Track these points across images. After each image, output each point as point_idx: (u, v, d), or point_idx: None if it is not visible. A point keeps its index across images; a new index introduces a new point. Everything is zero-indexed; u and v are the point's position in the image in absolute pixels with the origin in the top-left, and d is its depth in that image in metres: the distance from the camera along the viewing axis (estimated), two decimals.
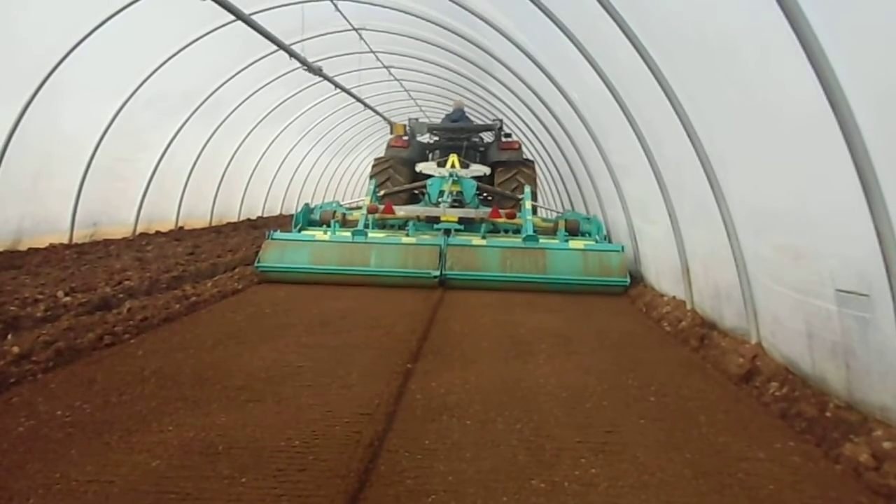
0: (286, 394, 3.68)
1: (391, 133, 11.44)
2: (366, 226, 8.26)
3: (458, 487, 2.63)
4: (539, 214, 9.99)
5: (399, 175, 10.73)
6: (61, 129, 8.62)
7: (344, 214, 9.00)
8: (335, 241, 7.81)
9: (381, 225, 8.83)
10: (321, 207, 9.25)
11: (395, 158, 10.96)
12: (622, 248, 7.65)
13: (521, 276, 7.45)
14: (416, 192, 10.32)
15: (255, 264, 7.59)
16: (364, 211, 8.56)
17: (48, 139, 8.39)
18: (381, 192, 9.78)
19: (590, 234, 8.53)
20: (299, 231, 8.31)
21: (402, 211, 8.84)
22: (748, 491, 2.66)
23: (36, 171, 8.41)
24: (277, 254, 7.58)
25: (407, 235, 8.17)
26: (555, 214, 10.20)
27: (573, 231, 8.70)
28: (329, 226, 8.48)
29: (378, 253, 7.58)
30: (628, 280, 7.36)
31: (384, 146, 11.64)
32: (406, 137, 11.21)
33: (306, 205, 9.08)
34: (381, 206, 8.81)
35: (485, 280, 7.47)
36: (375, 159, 11.42)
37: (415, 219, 8.75)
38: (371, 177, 10.71)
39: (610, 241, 8.33)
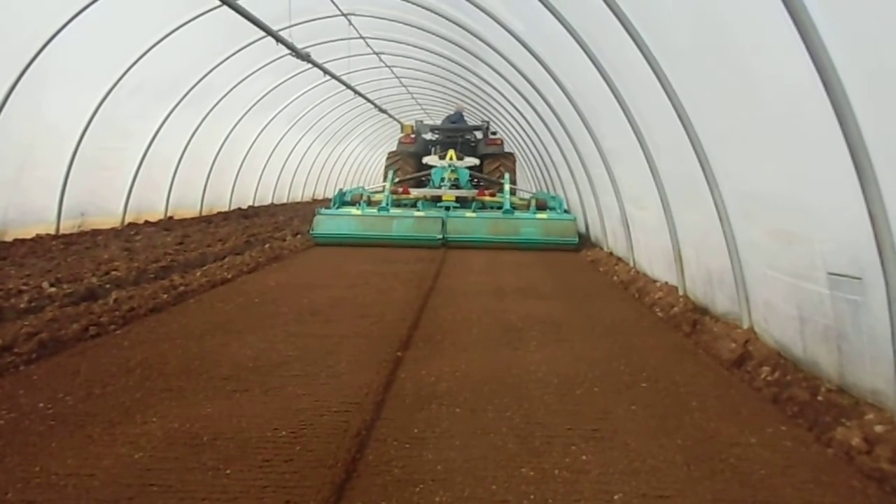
0: (274, 384, 3.64)
1: (402, 132, 14.58)
2: (387, 204, 10.76)
3: (446, 476, 2.60)
4: (517, 195, 12.26)
5: (408, 165, 13.80)
6: (45, 118, 8.48)
7: (369, 196, 11.57)
8: (366, 215, 10.54)
9: (397, 203, 11.35)
10: (351, 192, 11.83)
11: (404, 152, 14.12)
12: (574, 217, 10.59)
13: (501, 237, 10.11)
14: (422, 178, 13.20)
15: (310, 232, 10.30)
16: (387, 193, 11.13)
17: (32, 129, 8.26)
18: (398, 179, 12.56)
19: (554, 209, 10.98)
20: (337, 209, 10.88)
21: (415, 192, 11.79)
22: (740, 476, 2.64)
23: (20, 161, 8.28)
24: (325, 224, 10.28)
25: (418, 210, 10.80)
26: (528, 195, 12.55)
27: (542, 206, 11.13)
28: (358, 205, 11.02)
29: (398, 223, 10.33)
30: (577, 239, 10.11)
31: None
32: (413, 135, 14.34)
33: (340, 189, 11.78)
34: (401, 189, 11.80)
35: (475, 241, 10.06)
36: (389, 153, 14.66)
37: (422, 198, 11.51)
38: (386, 167, 13.90)
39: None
